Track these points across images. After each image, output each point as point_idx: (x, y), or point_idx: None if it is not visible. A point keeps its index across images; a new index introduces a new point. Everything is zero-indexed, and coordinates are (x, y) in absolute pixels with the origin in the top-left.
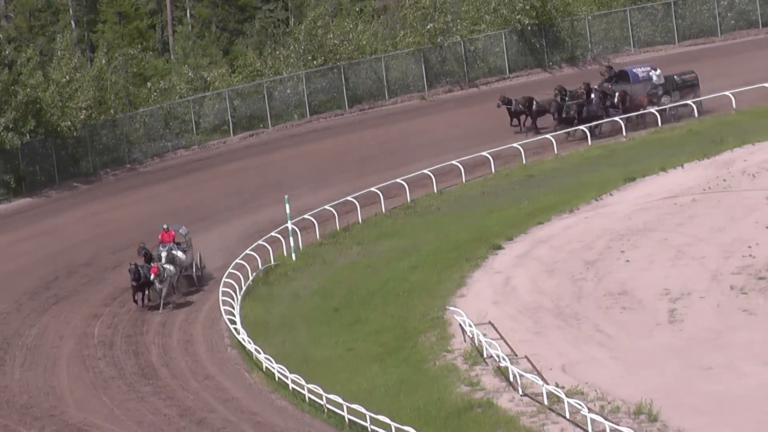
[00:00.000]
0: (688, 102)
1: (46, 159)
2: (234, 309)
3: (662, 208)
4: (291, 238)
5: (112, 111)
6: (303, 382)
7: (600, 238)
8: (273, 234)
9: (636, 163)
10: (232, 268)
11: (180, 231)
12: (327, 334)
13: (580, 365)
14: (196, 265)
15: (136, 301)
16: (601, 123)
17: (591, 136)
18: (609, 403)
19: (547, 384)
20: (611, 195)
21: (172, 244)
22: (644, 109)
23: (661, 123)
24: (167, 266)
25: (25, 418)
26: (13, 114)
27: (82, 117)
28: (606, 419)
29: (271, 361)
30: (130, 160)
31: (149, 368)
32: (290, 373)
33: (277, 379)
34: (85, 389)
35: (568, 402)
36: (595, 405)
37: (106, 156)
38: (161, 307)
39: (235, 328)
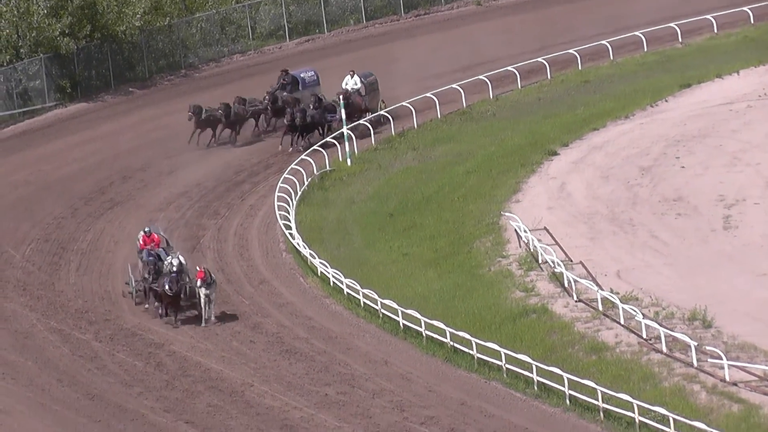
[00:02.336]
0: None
1: (102, 64)
2: (289, 214)
3: (717, 114)
4: (346, 144)
5: (167, 17)
6: (358, 287)
7: (655, 144)
8: (328, 139)
9: (691, 69)
10: (287, 174)
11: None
12: (382, 239)
13: (634, 271)
14: None
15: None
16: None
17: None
18: (663, 309)
19: (602, 290)
20: (666, 101)
21: (160, 249)
22: (362, 112)
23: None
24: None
25: (80, 323)
26: (69, 19)
27: (138, 22)
28: (660, 325)
29: (326, 266)
30: (186, 65)
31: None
32: (345, 278)
33: (331, 284)
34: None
35: (622, 308)
36: (649, 311)
37: (162, 61)
38: (204, 321)
39: (291, 234)
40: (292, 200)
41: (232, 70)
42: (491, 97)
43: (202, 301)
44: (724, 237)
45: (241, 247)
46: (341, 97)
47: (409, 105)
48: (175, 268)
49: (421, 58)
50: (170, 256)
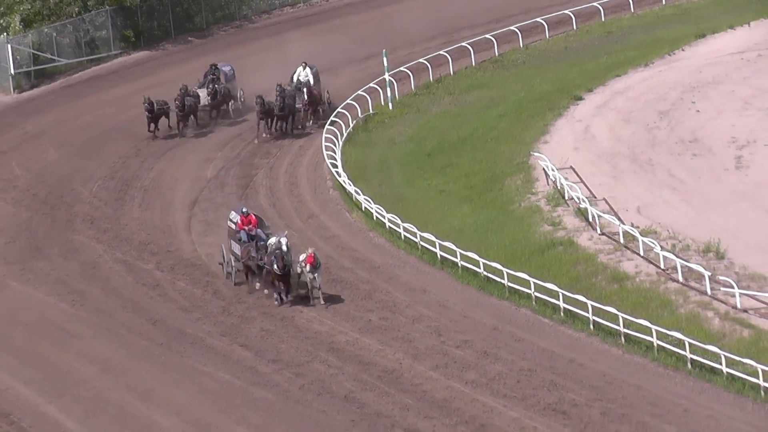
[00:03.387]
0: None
1: (163, 15)
2: (336, 154)
3: (730, 62)
4: (388, 89)
5: None
6: (398, 222)
7: (672, 90)
8: (371, 85)
9: (706, 21)
10: (333, 116)
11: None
12: (420, 177)
13: (653, 207)
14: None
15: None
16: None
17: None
18: (680, 242)
19: (623, 224)
20: (683, 50)
21: (257, 230)
22: (320, 102)
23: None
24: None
25: (143, 254)
26: None
27: None
28: (677, 256)
29: (369, 202)
30: (240, 16)
31: (257, 209)
32: (387, 213)
33: (374, 218)
34: (198, 226)
35: (642, 241)
36: (667, 243)
37: (219, 12)
38: (312, 300)
39: (337, 172)
40: (338, 141)
41: (283, 21)
42: (521, 46)
43: (309, 284)
44: (736, 176)
45: (291, 184)
46: (305, 88)
47: (445, 53)
48: (284, 247)
49: (457, 11)
50: (276, 236)
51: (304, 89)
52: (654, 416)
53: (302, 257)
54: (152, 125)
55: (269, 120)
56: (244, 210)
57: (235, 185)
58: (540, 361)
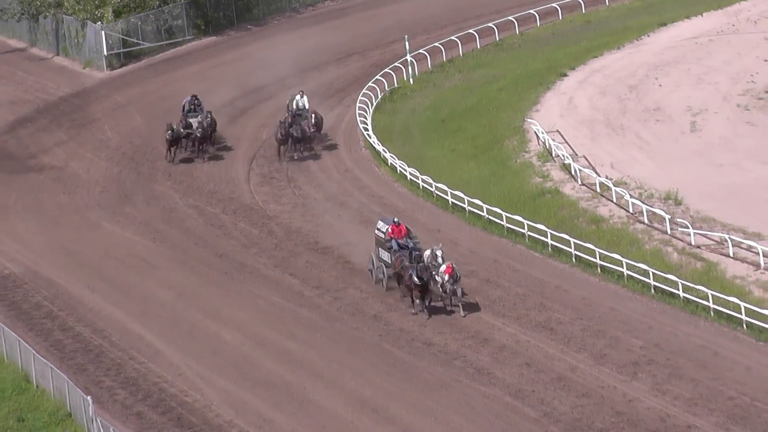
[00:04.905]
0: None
1: (228, 7)
2: (367, 120)
3: (686, 46)
4: (410, 67)
5: None
6: (418, 174)
7: (640, 68)
8: (396, 64)
9: (667, 12)
10: (365, 89)
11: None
12: (436, 139)
13: (624, 163)
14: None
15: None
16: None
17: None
18: (645, 191)
19: (600, 177)
20: (648, 36)
21: (406, 239)
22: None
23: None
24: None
25: (211, 201)
26: None
27: None
28: (643, 203)
29: (394, 159)
30: (290, 8)
31: (304, 165)
32: (408, 167)
33: (398, 172)
34: (255, 178)
35: (615, 190)
36: (635, 192)
37: (273, 5)
38: (452, 307)
39: (368, 134)
40: (368, 109)
41: (324, 13)
42: (517, 33)
43: (449, 294)
44: (691, 138)
45: (330, 144)
46: (313, 114)
47: (456, 39)
48: (440, 260)
49: (465, 4)
50: (431, 249)
51: (312, 114)
52: (624, 332)
53: (441, 268)
54: (172, 150)
55: (292, 143)
56: (395, 220)
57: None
58: (532, 287)
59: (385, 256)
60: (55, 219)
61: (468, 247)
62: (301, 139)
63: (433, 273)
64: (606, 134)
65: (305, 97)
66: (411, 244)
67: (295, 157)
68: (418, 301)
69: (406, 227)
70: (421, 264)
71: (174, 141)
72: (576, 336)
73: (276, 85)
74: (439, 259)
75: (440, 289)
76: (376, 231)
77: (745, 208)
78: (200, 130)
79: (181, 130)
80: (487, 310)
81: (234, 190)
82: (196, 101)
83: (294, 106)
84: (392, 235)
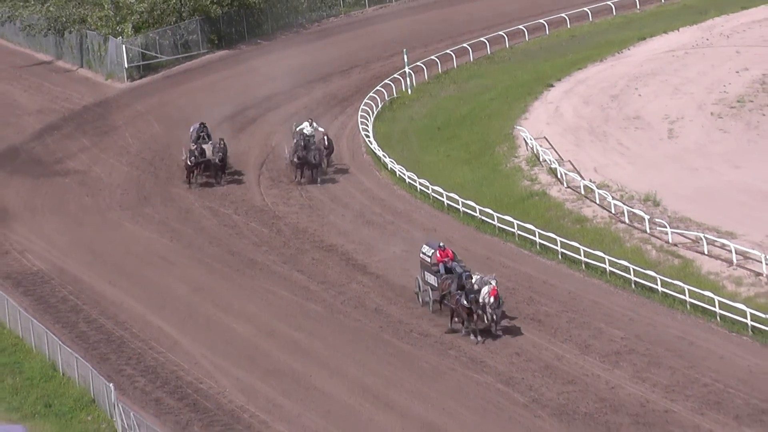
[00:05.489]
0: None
1: (239, 23)
2: (368, 127)
3: (664, 58)
4: (408, 79)
5: None
6: (415, 178)
7: (621, 79)
8: (395, 76)
9: (646, 27)
10: (366, 99)
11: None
12: (432, 145)
13: (606, 167)
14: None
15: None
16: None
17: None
18: (626, 193)
19: (584, 180)
20: (629, 49)
21: (453, 263)
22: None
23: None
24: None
25: (224, 202)
26: None
27: None
28: (624, 204)
29: (393, 163)
30: (296, 24)
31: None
32: (407, 171)
33: (397, 175)
34: (265, 181)
35: (598, 192)
36: (616, 194)
37: (281, 21)
38: (497, 330)
39: (369, 140)
40: (370, 117)
41: (328, 29)
42: (507, 46)
43: (488, 315)
44: (668, 144)
45: (335, 150)
46: (326, 138)
47: (450, 52)
48: (493, 282)
49: (459, 20)
50: (481, 276)
51: (325, 137)
52: (607, 323)
53: (486, 290)
54: (192, 175)
55: (307, 168)
56: (441, 245)
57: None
58: (521, 282)
59: (431, 279)
60: (79, 219)
61: (462, 245)
62: (317, 165)
63: (477, 297)
64: (589, 141)
65: (315, 124)
66: (459, 269)
67: (318, 183)
68: (465, 324)
69: (452, 251)
70: (469, 288)
71: (195, 166)
72: (562, 327)
73: (284, 95)
74: (493, 281)
75: (483, 312)
76: (421, 255)
77: (719, 208)
78: (220, 155)
79: (200, 156)
80: None
81: (245, 192)
82: (204, 130)
83: (303, 131)
84: (441, 260)
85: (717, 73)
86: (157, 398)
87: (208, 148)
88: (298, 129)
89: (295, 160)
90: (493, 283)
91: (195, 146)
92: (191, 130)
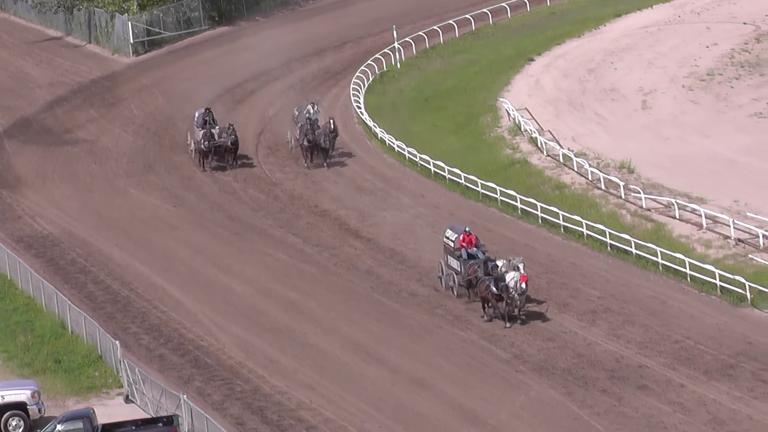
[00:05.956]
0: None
1: (238, 1)
2: (360, 99)
3: (639, 34)
4: (397, 53)
5: None
6: (404, 147)
7: (597, 54)
8: (385, 51)
9: (622, 5)
10: (358, 72)
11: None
12: (420, 116)
13: (584, 137)
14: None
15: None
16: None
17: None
18: (602, 161)
19: (563, 148)
20: (605, 25)
21: (475, 248)
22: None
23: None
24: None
25: (224, 170)
26: None
27: None
28: (600, 171)
29: (383, 133)
30: (293, 2)
31: None
32: (396, 141)
33: (387, 144)
34: (262, 150)
35: (576, 160)
36: (593, 162)
37: None
38: (514, 320)
39: (360, 112)
40: (361, 90)
41: (322, 6)
42: (491, 23)
43: (516, 299)
44: (642, 115)
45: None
46: (332, 122)
47: (437, 28)
48: (513, 276)
49: None
50: (508, 260)
51: (331, 122)
52: (584, 284)
53: (515, 276)
54: (206, 160)
55: (315, 151)
56: (467, 229)
57: (290, 122)
58: (503, 245)
59: (455, 263)
60: (87, 186)
61: (448, 210)
62: (326, 148)
63: (507, 284)
64: (568, 111)
65: (317, 107)
66: (481, 255)
67: (325, 166)
68: (492, 309)
69: (476, 236)
70: (496, 274)
71: (209, 151)
72: (542, 288)
73: (281, 69)
74: (514, 276)
75: (513, 299)
76: (445, 239)
77: (690, 175)
78: (233, 137)
79: (213, 141)
80: None
81: (244, 161)
82: (209, 114)
83: (307, 116)
84: (463, 244)
85: (688, 48)
86: (160, 354)
87: (215, 132)
88: (303, 113)
89: (305, 143)
90: (521, 267)
91: (205, 131)
92: (196, 115)
